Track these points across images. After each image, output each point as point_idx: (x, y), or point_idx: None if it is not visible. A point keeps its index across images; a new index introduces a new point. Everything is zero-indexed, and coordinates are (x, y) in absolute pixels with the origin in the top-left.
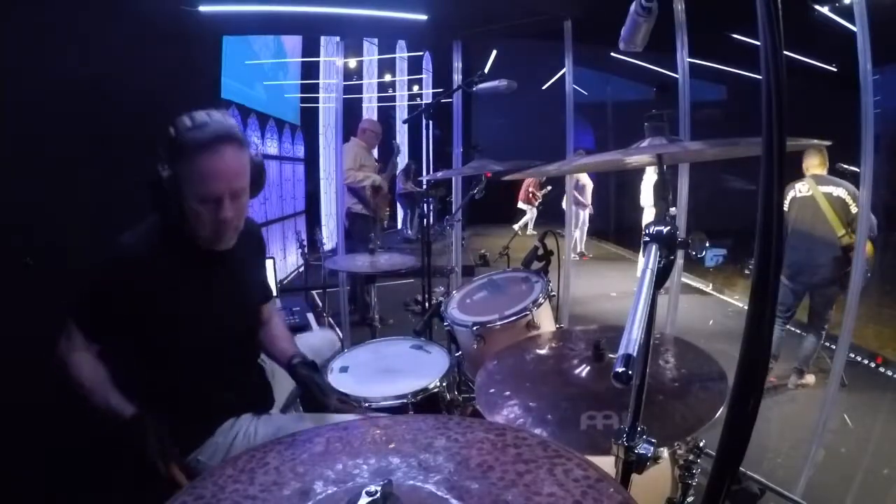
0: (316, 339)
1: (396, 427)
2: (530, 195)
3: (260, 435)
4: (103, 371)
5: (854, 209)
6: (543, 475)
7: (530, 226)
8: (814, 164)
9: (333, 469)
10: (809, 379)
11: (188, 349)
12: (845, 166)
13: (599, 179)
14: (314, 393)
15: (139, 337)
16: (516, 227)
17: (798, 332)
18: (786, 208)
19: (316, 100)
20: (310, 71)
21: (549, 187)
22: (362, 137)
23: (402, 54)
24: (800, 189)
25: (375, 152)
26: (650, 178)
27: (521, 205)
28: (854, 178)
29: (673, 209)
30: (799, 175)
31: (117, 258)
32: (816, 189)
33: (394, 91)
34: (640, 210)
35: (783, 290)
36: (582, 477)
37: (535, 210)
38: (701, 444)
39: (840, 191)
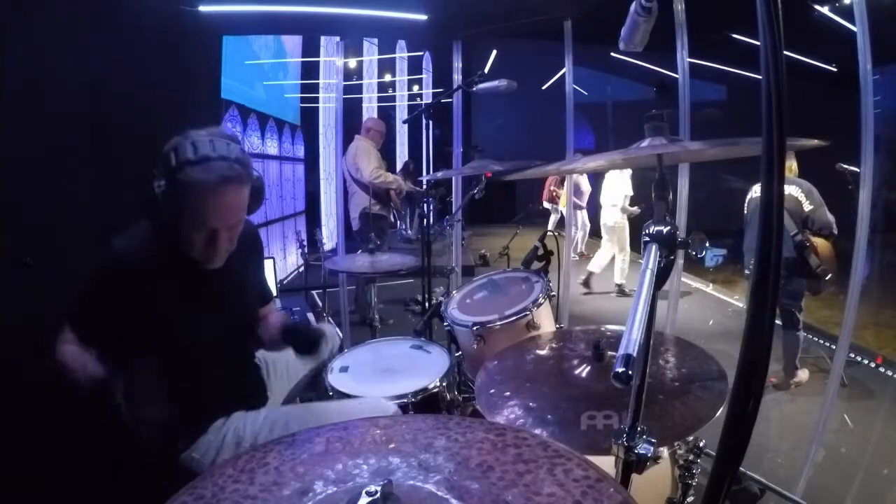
0: None
1: (396, 427)
2: (553, 194)
3: (249, 431)
4: (93, 357)
5: (807, 206)
6: (543, 475)
7: (550, 225)
8: None
9: (333, 469)
10: (802, 375)
11: (183, 352)
12: (845, 166)
13: (598, 180)
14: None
15: (132, 340)
16: (549, 227)
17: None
18: (745, 211)
19: (316, 100)
20: (310, 71)
21: None
22: (368, 136)
23: (402, 54)
24: (756, 189)
25: None
26: (612, 177)
27: (546, 204)
28: (854, 178)
29: (636, 209)
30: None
31: (110, 263)
32: None
33: (394, 91)
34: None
35: None
36: (582, 477)
37: (559, 210)
38: (701, 444)
39: (792, 188)
